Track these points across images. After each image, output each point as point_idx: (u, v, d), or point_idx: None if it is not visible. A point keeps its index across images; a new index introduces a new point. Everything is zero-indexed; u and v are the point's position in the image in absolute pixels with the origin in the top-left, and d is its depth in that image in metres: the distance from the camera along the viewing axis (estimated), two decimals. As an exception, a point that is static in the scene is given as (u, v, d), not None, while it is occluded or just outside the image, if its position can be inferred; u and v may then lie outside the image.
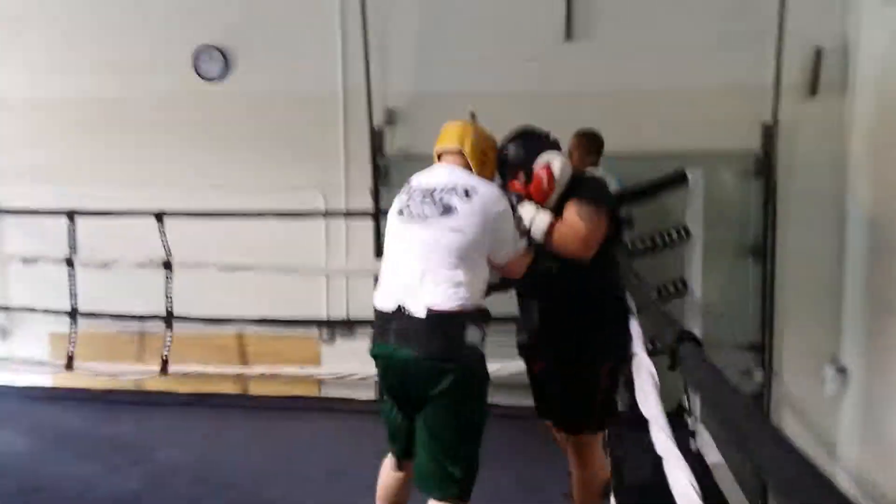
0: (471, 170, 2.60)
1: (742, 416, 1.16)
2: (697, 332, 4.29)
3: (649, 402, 2.00)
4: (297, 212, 5.23)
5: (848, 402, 4.80)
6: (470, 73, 5.16)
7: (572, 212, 2.54)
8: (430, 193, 2.51)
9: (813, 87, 4.83)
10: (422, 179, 2.62)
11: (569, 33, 5.06)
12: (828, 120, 4.86)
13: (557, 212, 2.60)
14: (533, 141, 2.74)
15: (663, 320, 1.90)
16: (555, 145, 2.79)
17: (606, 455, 2.96)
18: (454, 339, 2.34)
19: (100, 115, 5.61)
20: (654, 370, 2.16)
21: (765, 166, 4.90)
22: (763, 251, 4.93)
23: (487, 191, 2.49)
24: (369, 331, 5.50)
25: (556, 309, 2.70)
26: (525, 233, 2.57)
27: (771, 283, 4.91)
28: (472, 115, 2.80)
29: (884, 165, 4.43)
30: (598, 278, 2.65)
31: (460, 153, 2.62)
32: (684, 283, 4.46)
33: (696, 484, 1.53)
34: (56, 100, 5.65)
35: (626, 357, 2.61)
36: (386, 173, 5.32)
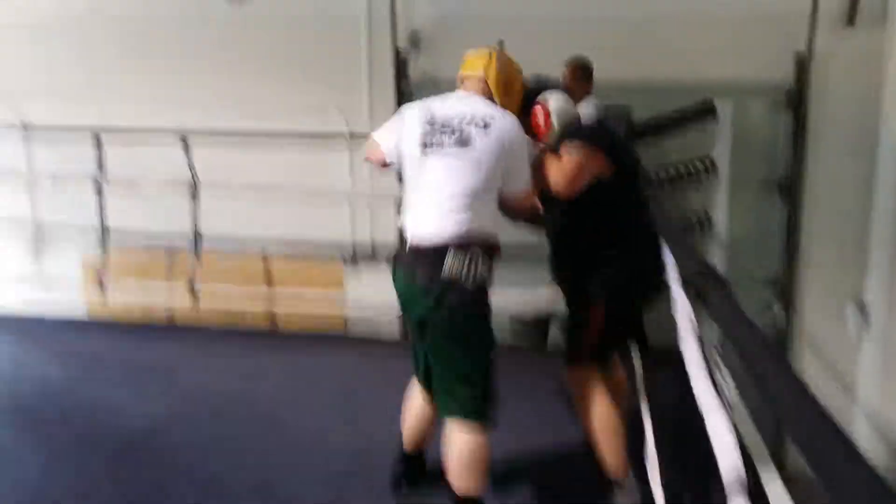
0: (493, 98, 2.61)
1: (763, 360, 1.18)
2: (720, 266, 4.33)
3: (688, 343, 2.02)
4: (320, 133, 5.20)
5: (869, 341, 4.80)
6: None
7: (562, 151, 2.59)
8: (449, 123, 2.52)
9: (851, 17, 4.66)
10: (442, 108, 2.61)
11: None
12: (865, 52, 4.69)
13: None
14: (543, 79, 2.80)
15: (688, 255, 1.90)
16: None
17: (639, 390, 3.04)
18: (435, 267, 2.41)
19: (124, 35, 5.56)
20: (690, 309, 2.16)
21: (796, 99, 4.79)
22: (790, 186, 4.88)
23: (505, 121, 2.52)
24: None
25: (561, 249, 2.88)
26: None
27: (796, 219, 4.88)
28: (501, 44, 2.75)
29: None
30: (595, 221, 2.72)
31: (484, 81, 2.62)
32: (709, 217, 4.43)
33: (734, 432, 1.55)
34: (81, 19, 5.58)
35: (624, 299, 2.73)
36: (410, 97, 5.27)
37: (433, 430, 2.84)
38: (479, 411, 2.49)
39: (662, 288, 2.67)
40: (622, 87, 4.81)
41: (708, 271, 1.67)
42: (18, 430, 3.63)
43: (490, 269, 2.48)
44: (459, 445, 2.50)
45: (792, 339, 4.96)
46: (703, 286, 1.68)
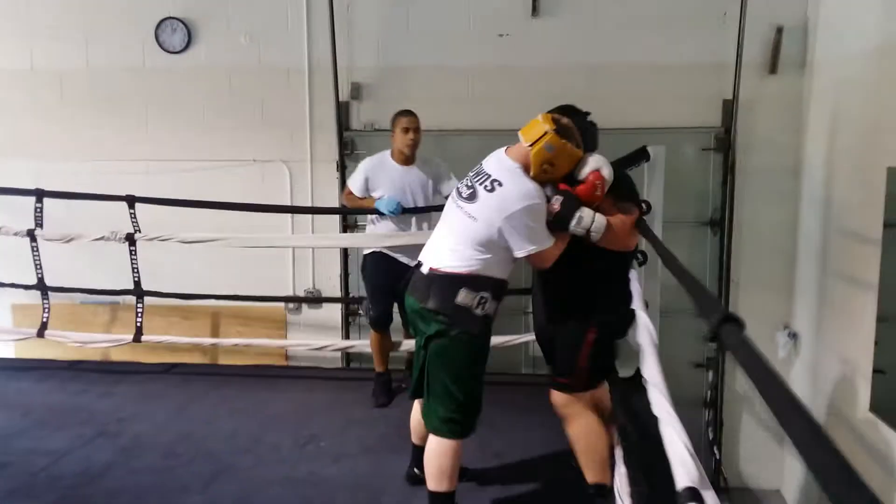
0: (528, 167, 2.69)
1: (780, 399, 1.25)
2: (656, 298, 4.46)
3: (648, 362, 2.07)
4: (263, 206, 5.14)
5: (799, 365, 5.00)
6: (436, 47, 5.22)
7: (618, 211, 2.76)
8: (475, 176, 2.77)
9: (773, 65, 4.96)
10: (485, 161, 2.83)
11: (535, 8, 5.11)
12: (786, 97, 5.01)
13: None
14: (583, 135, 2.78)
15: (706, 300, 1.95)
16: (594, 134, 2.94)
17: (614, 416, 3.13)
18: (446, 297, 2.66)
19: (62, 87, 5.56)
20: (653, 330, 2.24)
21: (724, 142, 5.03)
22: (721, 223, 5.08)
23: (514, 188, 2.66)
24: (335, 303, 5.52)
25: (550, 281, 2.95)
26: (564, 226, 2.68)
27: (728, 254, 5.08)
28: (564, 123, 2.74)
29: (838, 141, 4.57)
30: (591, 257, 2.79)
31: (527, 151, 2.68)
32: (644, 255, 4.55)
33: (689, 444, 1.60)
34: (18, 71, 5.57)
35: (614, 328, 2.84)
36: (352, 146, 5.34)
37: None
38: (453, 431, 2.73)
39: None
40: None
41: (728, 317, 1.71)
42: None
43: (496, 308, 2.74)
44: (433, 448, 2.77)
45: (727, 366, 5.14)
46: (721, 332, 1.72)
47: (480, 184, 2.70)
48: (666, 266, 3.08)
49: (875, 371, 4.01)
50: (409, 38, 5.25)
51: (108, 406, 4.38)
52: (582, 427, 2.85)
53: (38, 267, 4.97)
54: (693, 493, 1.51)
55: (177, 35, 5.36)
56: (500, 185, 2.65)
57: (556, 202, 2.66)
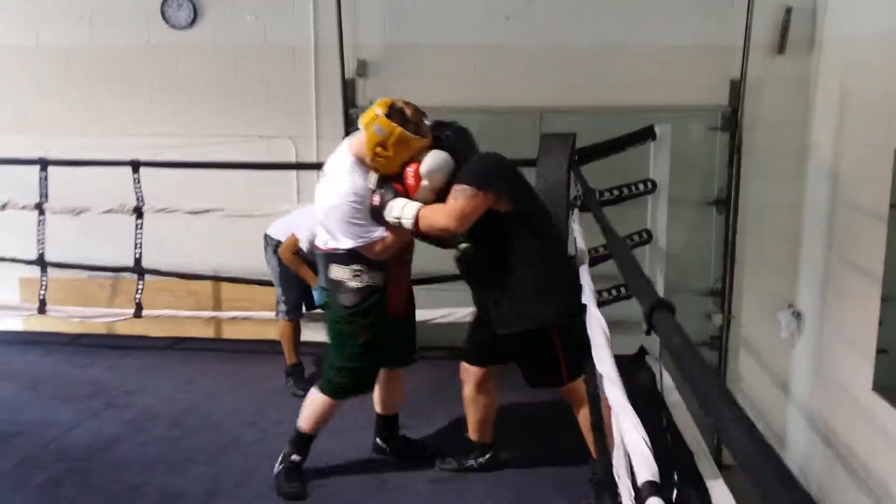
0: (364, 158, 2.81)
1: (707, 386, 1.28)
2: (661, 279, 4.46)
3: (602, 357, 2.09)
4: (268, 164, 5.26)
5: (802, 344, 5.03)
6: (441, 25, 5.19)
7: (450, 195, 2.72)
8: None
9: (781, 46, 4.93)
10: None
11: (542, -14, 5.08)
12: (794, 78, 4.98)
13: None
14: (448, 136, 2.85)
15: (640, 284, 1.96)
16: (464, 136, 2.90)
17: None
18: (325, 273, 2.95)
19: (69, 63, 5.54)
20: (604, 324, 2.25)
21: (731, 121, 5.02)
22: (726, 202, 5.08)
23: (333, 185, 2.82)
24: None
25: (482, 290, 2.97)
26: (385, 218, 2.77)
27: (733, 233, 5.08)
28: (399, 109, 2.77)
29: (845, 122, 4.55)
30: (506, 252, 2.80)
31: (363, 134, 2.78)
32: (649, 233, 4.57)
33: (647, 438, 1.63)
34: (26, 48, 5.55)
35: (570, 314, 2.72)
36: (357, 123, 5.33)
37: (390, 398, 3.31)
38: (330, 390, 3.05)
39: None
40: (569, 113, 4.99)
41: (659, 303, 1.73)
42: (-46, 452, 3.52)
43: (384, 277, 2.90)
44: (314, 395, 3.09)
45: (730, 344, 5.16)
46: (653, 318, 1.74)
47: (322, 172, 2.94)
48: (608, 246, 3.13)
49: (878, 351, 4.04)
50: (415, 15, 5.22)
51: (114, 379, 4.43)
52: (583, 413, 2.86)
53: (41, 242, 4.99)
54: (654, 486, 1.53)
55: (182, 11, 5.33)
56: (326, 177, 2.87)
57: (377, 195, 2.77)
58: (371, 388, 3.17)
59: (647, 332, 1.70)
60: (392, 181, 2.79)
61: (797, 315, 5.01)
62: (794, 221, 5.08)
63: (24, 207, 4.96)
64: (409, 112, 2.72)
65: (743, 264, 5.14)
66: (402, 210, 2.71)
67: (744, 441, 1.00)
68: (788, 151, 5.03)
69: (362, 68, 5.32)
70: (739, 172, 5.02)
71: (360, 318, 2.94)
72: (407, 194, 2.78)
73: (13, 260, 5.15)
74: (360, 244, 2.81)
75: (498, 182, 2.75)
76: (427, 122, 2.80)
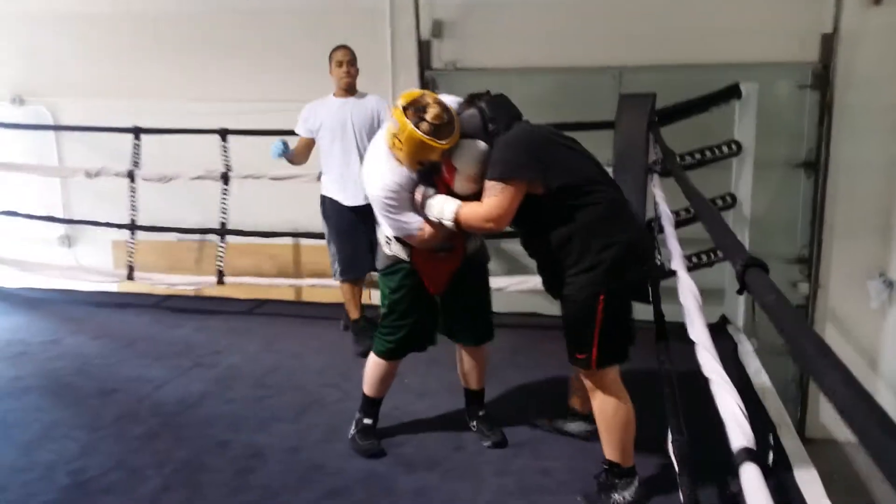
0: None
1: (803, 338, 1.24)
2: (745, 244, 4.34)
3: (694, 323, 2.04)
4: None
5: (893, 315, 4.82)
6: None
7: (485, 194, 2.63)
8: None
9: (878, -4, 4.67)
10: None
11: (623, -60, 4.93)
12: (891, 30, 4.70)
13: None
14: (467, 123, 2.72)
15: (730, 244, 1.91)
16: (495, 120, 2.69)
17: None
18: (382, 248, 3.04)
19: (153, 30, 5.71)
20: (696, 290, 2.19)
21: (822, 78, 4.79)
22: (815, 165, 4.88)
23: (368, 174, 2.86)
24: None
25: (539, 256, 2.83)
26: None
27: (822, 197, 4.88)
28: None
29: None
30: (548, 229, 2.64)
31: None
32: (733, 198, 4.44)
33: (742, 405, 1.59)
34: (112, 15, 5.73)
35: (622, 287, 2.59)
36: (433, 85, 5.32)
37: (472, 371, 3.29)
38: (377, 350, 3.14)
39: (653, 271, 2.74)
40: (650, 70, 4.86)
41: (751, 261, 1.69)
42: (59, 405, 3.73)
43: (399, 256, 2.97)
44: (370, 357, 3.18)
45: (817, 315, 4.99)
46: (750, 275, 1.69)
47: None
48: (692, 206, 2.97)
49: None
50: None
51: (202, 339, 4.62)
52: (605, 403, 2.70)
53: (133, 208, 5.19)
54: (749, 453, 1.50)
55: (267, -23, 5.41)
56: (366, 159, 2.93)
57: (419, 191, 2.74)
58: (415, 349, 3.16)
59: (740, 292, 1.66)
60: (435, 174, 2.76)
61: (889, 284, 4.79)
62: (888, 185, 4.83)
63: (116, 174, 5.16)
64: (431, 113, 2.60)
65: (832, 230, 4.93)
66: (441, 210, 2.69)
67: (844, 390, 0.98)
68: (883, 110, 4.77)
69: (437, 29, 5.29)
70: (830, 133, 4.81)
71: (387, 280, 3.05)
72: (449, 187, 2.75)
73: (107, 224, 5.38)
74: (401, 235, 2.87)
75: (521, 170, 2.59)
76: (458, 109, 2.71)
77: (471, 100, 2.74)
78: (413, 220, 2.80)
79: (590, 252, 2.56)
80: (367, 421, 3.24)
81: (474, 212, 2.63)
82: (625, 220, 2.66)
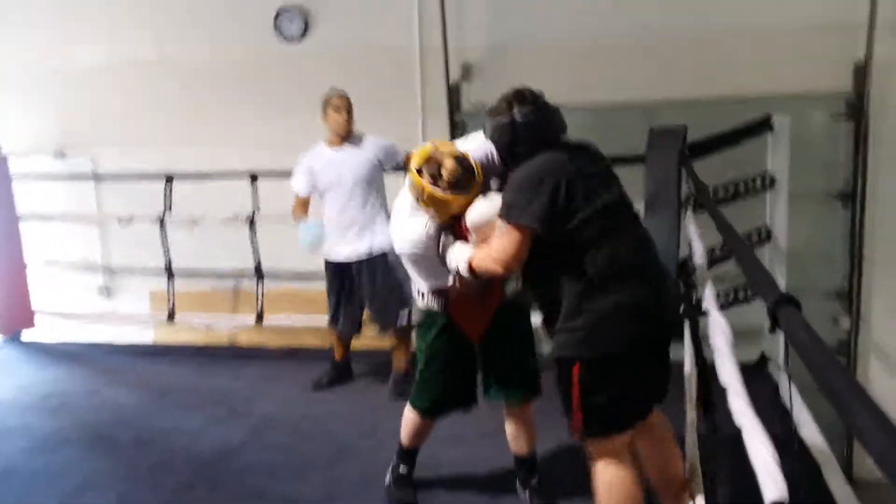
0: None
1: (838, 382, 1.20)
2: (782, 280, 4.24)
3: (724, 365, 1.98)
4: None
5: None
6: (544, 24, 5.13)
7: (496, 236, 2.44)
8: None
9: (910, 23, 4.61)
10: None
11: (649, -25, 4.95)
12: (925, 57, 4.64)
13: None
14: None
15: (762, 280, 1.85)
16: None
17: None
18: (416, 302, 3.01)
19: (187, 79, 5.83)
20: (728, 330, 2.10)
21: (856, 108, 4.72)
22: (852, 196, 4.79)
23: (395, 223, 2.85)
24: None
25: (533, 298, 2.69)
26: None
27: (860, 229, 4.78)
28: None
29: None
30: (547, 278, 2.42)
31: None
32: (768, 231, 4.36)
33: (775, 453, 1.53)
34: (145, 63, 5.88)
35: (602, 355, 2.31)
36: (463, 128, 5.35)
37: (521, 439, 3.10)
38: (412, 403, 3.09)
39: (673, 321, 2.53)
40: (680, 106, 4.83)
41: (784, 299, 1.64)
42: (97, 456, 3.76)
43: (433, 308, 2.90)
44: (405, 411, 3.13)
45: (859, 350, 4.86)
46: (778, 314, 1.64)
47: None
48: (725, 242, 2.83)
49: None
50: (517, 16, 5.19)
51: (237, 387, 4.64)
52: (601, 476, 2.41)
53: (167, 252, 5.27)
54: None
55: (294, 24, 5.53)
56: (392, 220, 2.90)
57: (441, 241, 2.66)
58: (452, 408, 3.04)
59: (772, 330, 1.61)
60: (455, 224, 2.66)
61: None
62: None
63: (149, 220, 5.24)
64: (446, 169, 2.55)
65: (872, 263, 4.81)
66: (456, 260, 2.57)
67: (881, 438, 0.93)
68: (920, 139, 4.69)
69: (466, 72, 5.34)
70: (866, 163, 4.72)
71: (423, 334, 3.01)
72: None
73: (143, 270, 5.46)
74: (433, 287, 2.84)
75: (524, 216, 2.31)
76: (488, 116, 2.50)
77: (510, 103, 2.45)
78: (441, 274, 2.73)
79: (578, 313, 2.30)
80: (402, 470, 3.19)
81: (486, 256, 2.43)
82: (629, 278, 2.32)
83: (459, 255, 2.55)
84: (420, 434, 3.13)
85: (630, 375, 2.33)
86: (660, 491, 2.66)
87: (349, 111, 4.13)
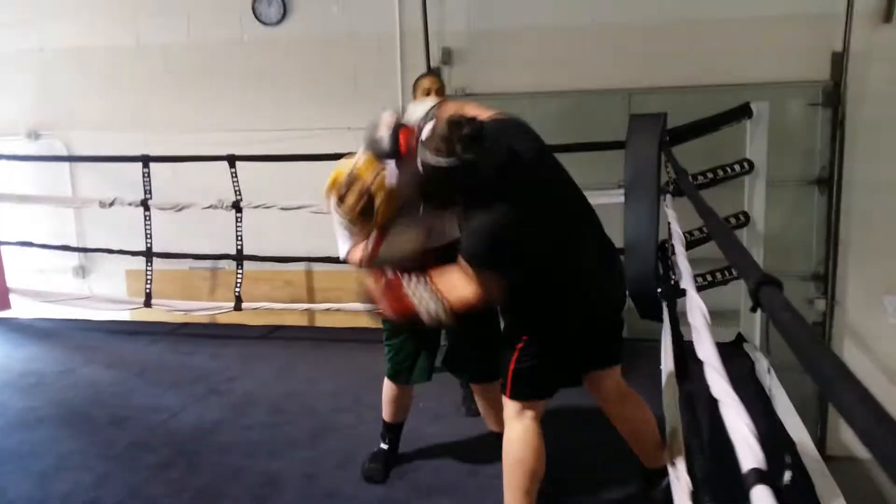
0: None
1: (819, 357, 1.21)
2: (760, 263, 4.30)
3: (703, 342, 2.02)
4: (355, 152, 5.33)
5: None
6: (524, 9, 5.14)
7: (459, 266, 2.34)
8: None
9: (888, 14, 4.67)
10: None
11: (631, -39, 4.97)
12: (902, 48, 4.71)
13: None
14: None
15: (744, 262, 1.88)
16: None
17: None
18: None
19: (167, 61, 5.77)
20: (704, 308, 2.15)
21: (833, 96, 4.79)
22: (829, 182, 4.86)
23: None
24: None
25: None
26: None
27: (836, 214, 4.86)
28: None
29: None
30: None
31: None
32: (746, 216, 4.42)
33: (752, 425, 1.56)
34: (122, 48, 5.81)
35: (544, 336, 2.48)
36: (444, 111, 5.35)
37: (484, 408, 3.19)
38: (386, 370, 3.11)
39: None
40: (660, 92, 4.88)
41: (766, 279, 1.66)
42: (73, 435, 3.72)
43: None
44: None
45: (834, 332, 4.97)
46: (764, 293, 1.67)
47: None
48: (705, 225, 2.89)
49: None
50: (500, 0, 5.20)
51: (216, 366, 4.60)
52: (508, 432, 2.56)
53: (148, 236, 5.22)
54: (760, 474, 1.47)
55: (273, 7, 5.48)
56: None
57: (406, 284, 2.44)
58: (413, 376, 3.06)
59: (753, 310, 1.63)
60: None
61: (907, 299, 4.77)
62: (902, 201, 4.82)
63: (130, 204, 5.19)
64: (345, 204, 2.56)
65: (847, 247, 4.90)
66: (429, 308, 2.37)
67: (862, 410, 0.95)
68: (895, 126, 4.77)
69: (447, 56, 5.33)
70: (843, 150, 4.79)
71: None
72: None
73: (121, 252, 5.40)
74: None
75: (488, 265, 2.30)
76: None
77: (451, 144, 2.19)
78: (341, 245, 2.84)
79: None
80: (382, 446, 3.22)
81: (462, 297, 2.35)
82: (579, 297, 2.46)
83: (431, 305, 2.36)
84: (395, 405, 3.14)
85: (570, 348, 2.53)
86: (637, 452, 2.79)
87: (440, 94, 3.73)
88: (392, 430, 3.22)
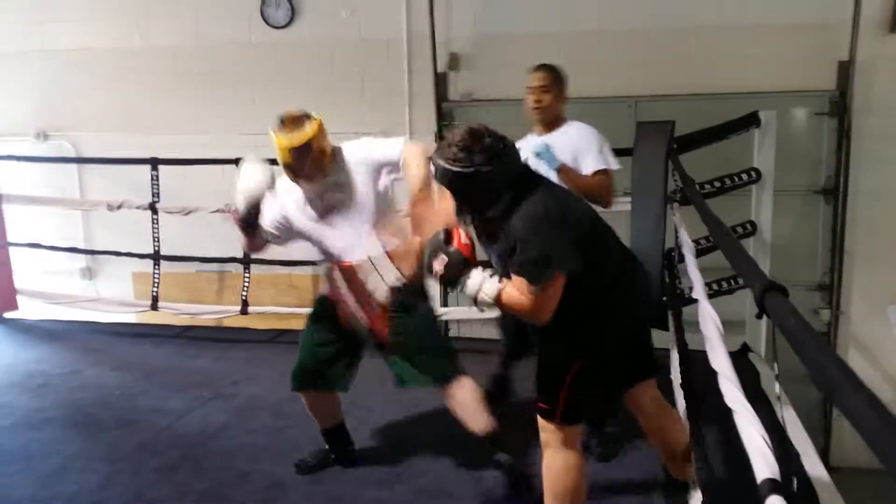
0: None
1: (826, 362, 1.22)
2: (766, 272, 4.30)
3: (716, 352, 2.01)
4: None
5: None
6: (531, 15, 5.16)
7: (516, 283, 2.27)
8: None
9: (893, 24, 4.68)
10: None
11: (638, -32, 4.99)
12: (908, 58, 4.72)
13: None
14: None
15: (749, 270, 1.89)
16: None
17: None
18: None
19: (175, 63, 5.80)
20: (717, 318, 2.15)
21: (839, 106, 4.80)
22: (835, 192, 4.87)
23: None
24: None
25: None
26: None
27: (842, 224, 4.87)
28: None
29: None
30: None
31: None
32: (753, 225, 4.42)
33: (766, 435, 1.56)
34: (131, 50, 5.84)
35: (599, 360, 2.42)
36: (450, 117, 5.37)
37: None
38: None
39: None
40: (666, 100, 4.88)
41: (771, 286, 1.67)
42: (80, 436, 3.74)
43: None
44: None
45: (839, 341, 4.99)
46: (769, 300, 1.67)
47: None
48: (711, 234, 2.89)
49: None
50: (505, 6, 5.22)
51: (221, 370, 4.62)
52: (552, 461, 2.50)
53: (156, 239, 5.24)
54: (773, 484, 1.47)
55: (281, 10, 5.51)
56: None
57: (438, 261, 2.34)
58: (306, 384, 3.21)
59: (759, 316, 1.64)
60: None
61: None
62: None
63: (138, 207, 5.21)
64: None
65: (852, 257, 4.92)
66: (479, 287, 2.31)
67: (870, 415, 0.95)
68: (902, 136, 4.78)
69: (454, 61, 5.35)
70: (849, 159, 4.81)
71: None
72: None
73: (128, 254, 5.42)
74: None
75: (548, 270, 2.24)
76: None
77: (468, 149, 2.24)
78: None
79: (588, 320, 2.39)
80: (326, 446, 3.34)
81: (519, 302, 2.29)
82: (627, 315, 2.46)
83: (486, 287, 2.30)
84: (313, 411, 3.26)
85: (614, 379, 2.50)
86: (666, 461, 2.78)
87: (546, 90, 3.34)
88: (323, 434, 3.32)
